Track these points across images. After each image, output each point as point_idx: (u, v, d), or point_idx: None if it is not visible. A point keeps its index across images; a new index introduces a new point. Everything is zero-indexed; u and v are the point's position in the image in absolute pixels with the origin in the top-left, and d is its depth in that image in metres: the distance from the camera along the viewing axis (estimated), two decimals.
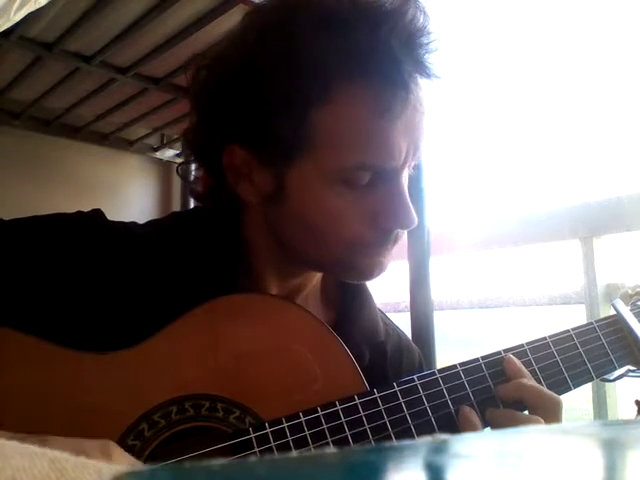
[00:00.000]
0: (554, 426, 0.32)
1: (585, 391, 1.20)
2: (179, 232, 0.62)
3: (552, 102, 1.39)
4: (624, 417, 1.23)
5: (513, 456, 0.20)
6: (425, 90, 0.56)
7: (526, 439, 0.25)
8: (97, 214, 0.60)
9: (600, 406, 1.18)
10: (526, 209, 1.39)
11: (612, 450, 0.22)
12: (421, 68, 0.55)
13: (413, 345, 0.75)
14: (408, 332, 0.79)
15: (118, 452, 0.44)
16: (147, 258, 0.58)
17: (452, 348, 1.47)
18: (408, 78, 0.53)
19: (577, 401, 1.25)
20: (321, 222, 0.56)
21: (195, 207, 0.71)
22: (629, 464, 0.20)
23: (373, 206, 0.56)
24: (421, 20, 0.55)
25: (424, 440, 0.22)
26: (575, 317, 1.31)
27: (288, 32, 0.54)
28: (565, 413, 0.57)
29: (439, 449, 0.21)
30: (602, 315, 1.18)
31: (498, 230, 1.42)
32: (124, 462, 0.44)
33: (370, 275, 0.61)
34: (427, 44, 0.55)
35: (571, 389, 0.62)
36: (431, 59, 0.56)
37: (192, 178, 0.72)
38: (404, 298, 1.49)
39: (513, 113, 1.46)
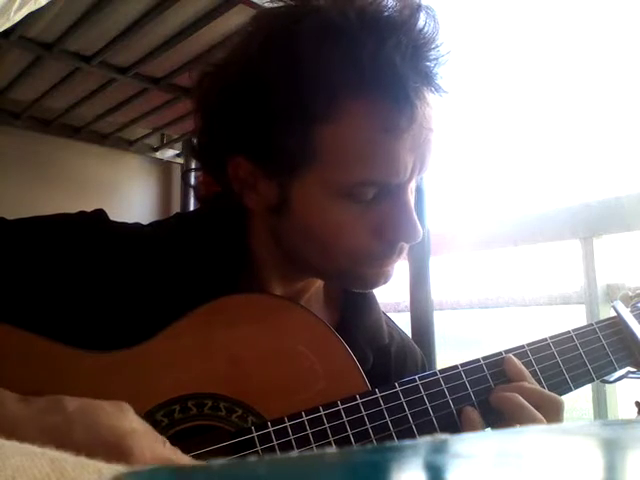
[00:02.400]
0: (554, 426, 0.32)
1: (585, 391, 1.20)
2: (182, 234, 0.62)
3: (552, 102, 1.39)
4: (624, 417, 1.23)
5: (513, 456, 0.20)
6: (433, 105, 0.55)
7: (526, 439, 0.25)
8: (100, 214, 0.60)
9: (600, 406, 1.18)
10: (526, 209, 1.39)
11: (612, 450, 0.22)
12: (428, 82, 0.54)
13: (415, 347, 0.75)
14: (408, 332, 0.79)
15: (132, 412, 0.43)
16: (150, 259, 0.58)
17: (452, 348, 1.47)
18: (414, 94, 0.52)
19: (577, 401, 1.26)
20: (326, 235, 0.56)
21: (199, 208, 0.71)
22: (629, 464, 0.20)
23: (378, 219, 0.56)
24: (430, 31, 0.54)
25: (424, 440, 0.22)
26: (575, 317, 1.31)
27: (292, 44, 0.53)
28: (565, 413, 0.57)
29: (439, 449, 0.21)
30: (602, 315, 1.18)
31: (498, 230, 1.42)
32: (137, 422, 0.43)
33: (375, 285, 0.61)
34: (435, 58, 0.54)
35: (572, 390, 0.62)
36: (439, 72, 0.55)
37: (195, 182, 0.72)
38: (404, 298, 1.49)
39: (513, 113, 1.46)
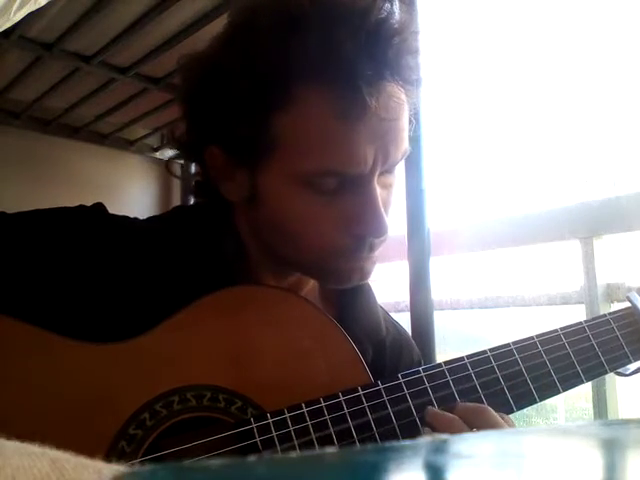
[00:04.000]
0: (554, 426, 0.32)
1: (585, 391, 1.20)
2: (179, 227, 0.63)
3: (552, 102, 1.39)
4: (624, 417, 1.23)
5: (513, 456, 0.20)
6: (396, 96, 0.54)
7: (526, 439, 0.25)
8: (99, 207, 0.61)
9: (600, 406, 1.18)
10: (526, 209, 1.39)
11: (612, 450, 0.22)
12: (388, 72, 0.53)
13: (413, 343, 0.74)
14: (408, 332, 0.79)
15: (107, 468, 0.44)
16: (148, 251, 0.58)
17: (452, 348, 1.47)
18: (365, 82, 0.51)
19: (577, 401, 1.25)
20: (292, 226, 0.56)
21: (197, 202, 0.71)
22: (629, 464, 0.20)
23: (343, 212, 0.55)
24: (392, 20, 0.53)
25: (424, 440, 0.22)
26: (575, 317, 1.30)
27: (247, 34, 0.54)
28: (565, 413, 0.57)
29: (439, 449, 0.21)
30: None
31: (498, 230, 1.42)
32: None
33: (349, 281, 0.60)
34: (395, 47, 0.52)
35: (583, 382, 0.60)
36: (403, 62, 0.53)
37: (184, 174, 0.74)
38: (404, 298, 1.49)
39: (513, 113, 1.46)
